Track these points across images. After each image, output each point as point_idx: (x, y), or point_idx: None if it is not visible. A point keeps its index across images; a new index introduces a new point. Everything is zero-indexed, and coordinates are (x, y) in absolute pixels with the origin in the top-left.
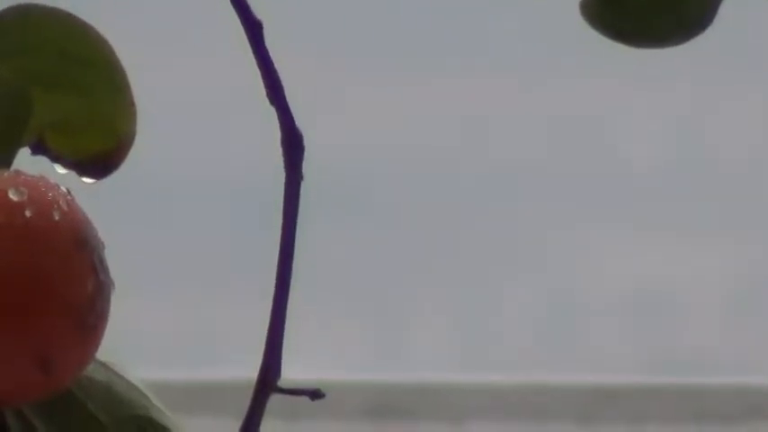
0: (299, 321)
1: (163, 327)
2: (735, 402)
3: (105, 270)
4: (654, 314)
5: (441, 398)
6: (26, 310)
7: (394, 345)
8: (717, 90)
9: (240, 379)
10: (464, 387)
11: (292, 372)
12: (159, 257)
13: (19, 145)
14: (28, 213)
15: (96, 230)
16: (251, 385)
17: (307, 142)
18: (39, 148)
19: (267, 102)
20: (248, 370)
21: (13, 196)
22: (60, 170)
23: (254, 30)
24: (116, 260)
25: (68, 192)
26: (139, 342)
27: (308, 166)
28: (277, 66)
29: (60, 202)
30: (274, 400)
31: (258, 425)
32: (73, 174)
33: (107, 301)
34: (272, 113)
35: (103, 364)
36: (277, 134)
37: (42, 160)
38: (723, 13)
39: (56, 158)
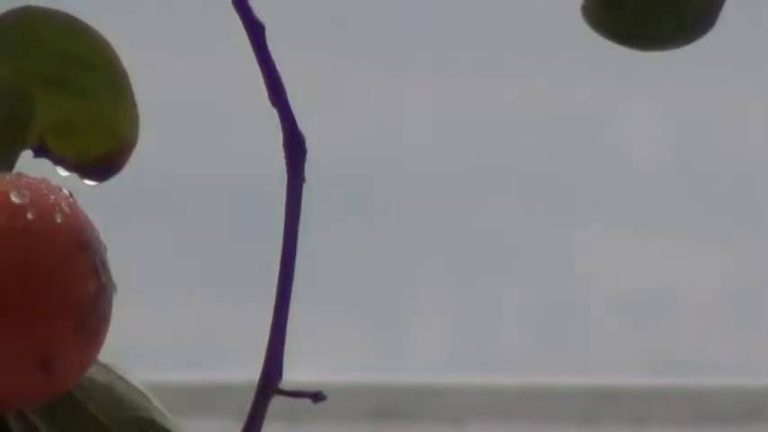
0: (300, 323)
1: (164, 328)
2: (736, 403)
3: (107, 272)
4: (654, 314)
5: (441, 399)
6: (28, 312)
7: (394, 346)
8: (717, 91)
9: (241, 381)
10: (464, 388)
11: (293, 374)
12: (161, 259)
13: (21, 147)
14: (30, 216)
15: (98, 233)
16: (252, 387)
17: (308, 143)
18: (40, 151)
19: (269, 103)
20: (249, 372)
21: (15, 199)
22: (62, 173)
23: (255, 31)
24: (118, 262)
25: (70, 194)
26: (141, 344)
27: (309, 168)
28: (279, 67)
29: (62, 205)
30: (276, 402)
31: (260, 427)
32: (75, 176)
33: (109, 303)
34: (273, 115)
35: (105, 366)
36: (279, 135)
37: (44, 163)
38: (724, 13)
39: (58, 161)
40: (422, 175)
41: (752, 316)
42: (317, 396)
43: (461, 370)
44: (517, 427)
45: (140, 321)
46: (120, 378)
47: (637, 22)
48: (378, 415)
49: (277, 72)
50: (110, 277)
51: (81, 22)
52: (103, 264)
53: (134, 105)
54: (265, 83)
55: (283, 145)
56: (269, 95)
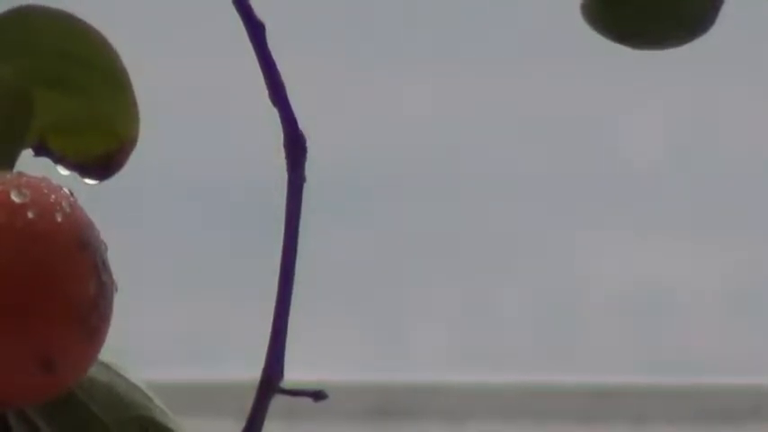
0: (301, 322)
1: (164, 327)
2: (735, 403)
3: (107, 271)
4: (654, 314)
5: (441, 398)
6: (29, 311)
7: (395, 345)
8: (717, 90)
9: (242, 380)
10: (464, 387)
11: (294, 373)
12: (161, 258)
13: (21, 146)
14: (30, 215)
15: (98, 232)
16: (253, 386)
17: (309, 143)
18: (41, 150)
19: (269, 103)
20: (251, 371)
21: (15, 198)
22: (62, 172)
23: (256, 31)
24: (118, 261)
25: (71, 193)
26: (141, 343)
27: (310, 167)
28: (279, 67)
29: (63, 204)
30: (277, 401)
31: (261, 426)
32: (75, 175)
33: (109, 302)
34: (274, 115)
35: (105, 365)
36: (279, 135)
37: (45, 162)
38: (724, 13)
39: (58, 160)
40: (422, 174)
41: (752, 315)
42: (317, 395)
43: (461, 369)
44: (517, 426)
45: (141, 320)
46: (121, 377)
47: (636, 21)
48: (378, 414)
49: (278, 71)
50: (110, 276)
51: (81, 21)
52: (104, 263)
53: (134, 104)
54: (266, 82)
55: (284, 144)
56: (269, 95)
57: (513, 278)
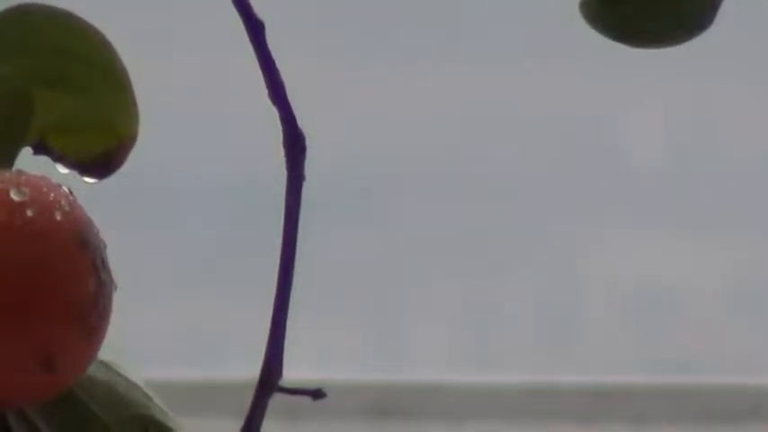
0: (300, 321)
1: (164, 326)
2: (735, 402)
3: (107, 270)
4: (654, 314)
5: (441, 397)
6: (28, 309)
7: (394, 345)
8: (717, 90)
9: (241, 379)
10: (464, 386)
11: (294, 372)
12: (160, 257)
13: (20, 145)
14: (29, 213)
15: (98, 230)
16: (252, 385)
17: (308, 142)
18: (40, 148)
19: (269, 102)
20: (249, 370)
21: (14, 196)
22: (62, 170)
23: (256, 30)
24: (117, 260)
25: (70, 192)
26: (141, 341)
27: (309, 167)
28: (279, 66)
29: (62, 202)
30: (276, 400)
31: (260, 425)
32: (74, 174)
33: (109, 300)
34: (273, 113)
35: (105, 364)
36: (279, 134)
37: (44, 160)
38: (724, 12)
39: (57, 158)
40: (422, 173)
41: (752, 315)
42: (316, 393)
43: (461, 368)
44: (517, 426)
45: (140, 319)
46: (121, 376)
47: (635, 20)
48: (377, 413)
49: (277, 71)
50: (110, 275)
51: (80, 19)
52: (103, 261)
53: (134, 103)
54: (265, 81)
55: (283, 143)
56: (269, 93)
57: (513, 278)
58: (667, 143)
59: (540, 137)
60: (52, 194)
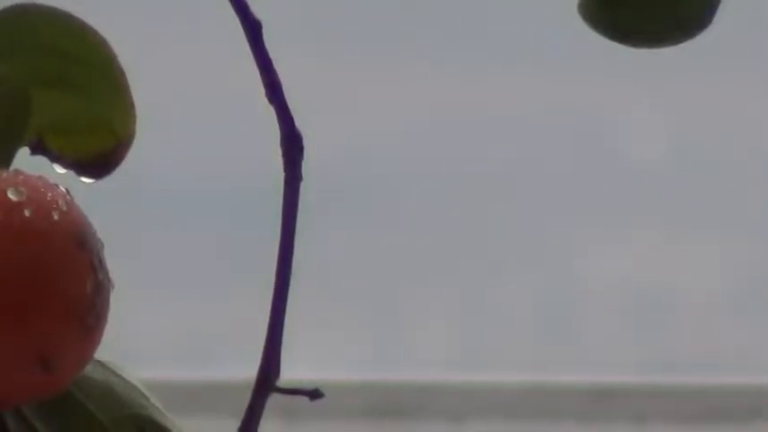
0: (298, 321)
1: (161, 326)
2: (736, 402)
3: (104, 270)
4: (654, 314)
5: (440, 397)
6: (25, 309)
7: (394, 344)
8: (717, 90)
9: (239, 379)
10: (464, 386)
11: (292, 371)
12: (158, 257)
13: (18, 144)
14: (27, 213)
15: (95, 230)
16: (250, 385)
17: (306, 142)
18: (38, 148)
19: (266, 101)
20: (247, 370)
21: (12, 196)
22: (59, 170)
23: (253, 29)
24: (115, 260)
25: (67, 191)
26: (138, 341)
27: (307, 166)
28: (276, 65)
29: (59, 202)
30: (277, 401)
31: (257, 425)
32: (72, 173)
33: (106, 300)
34: (271, 113)
35: (102, 364)
36: (276, 134)
37: (41, 160)
38: (725, 12)
39: (55, 158)
40: (421, 173)
41: (752, 315)
42: (314, 394)
43: (461, 368)
44: (517, 426)
45: (138, 319)
46: (118, 376)
47: (633, 20)
48: (376, 413)
49: (274, 70)
50: (107, 274)
51: (79, 20)
52: (101, 261)
53: (131, 103)
54: (263, 81)
55: (281, 143)
56: (266, 93)
57: (512, 278)
58: (667, 143)
59: (539, 137)
60: (50, 194)
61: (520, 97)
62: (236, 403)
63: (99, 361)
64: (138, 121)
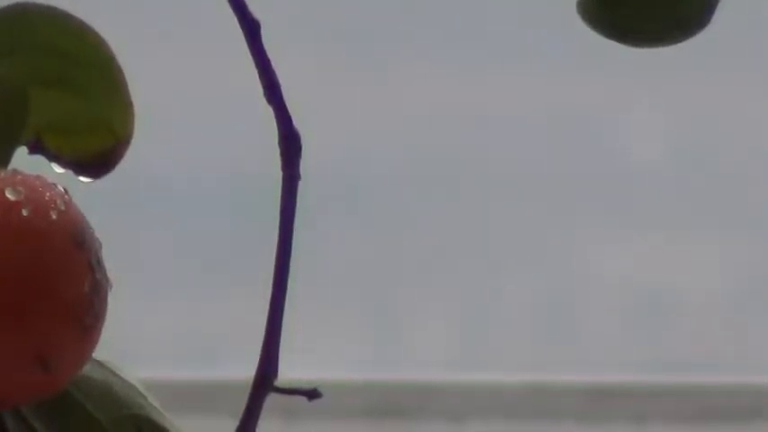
0: (297, 321)
1: (159, 326)
2: (735, 402)
3: (102, 269)
4: (654, 314)
5: (440, 397)
6: (23, 309)
7: (393, 344)
8: (717, 89)
9: (237, 378)
10: (464, 386)
11: (291, 371)
12: (156, 256)
13: (16, 144)
14: (25, 212)
15: (93, 230)
16: (248, 385)
17: (304, 141)
18: (36, 148)
19: (264, 101)
20: (246, 369)
21: (9, 195)
22: (57, 169)
23: (251, 29)
24: (113, 259)
25: (65, 191)
26: (136, 341)
27: (305, 166)
28: (274, 65)
29: (57, 202)
30: (276, 401)
31: (255, 424)
32: (70, 173)
33: (104, 300)
34: (269, 113)
35: (100, 364)
36: (274, 133)
37: (39, 159)
38: (723, 11)
39: (53, 158)
40: (420, 173)
41: (752, 315)
42: (312, 394)
43: (461, 368)
44: (517, 426)
45: (136, 318)
46: (116, 375)
47: (633, 19)
48: (376, 413)
49: (273, 70)
50: (105, 274)
51: (77, 19)
52: (99, 261)
53: (130, 103)
54: (261, 80)
55: (279, 143)
56: (264, 93)
57: (512, 278)
58: (667, 143)
59: (539, 137)
60: (48, 194)
61: (520, 97)
62: (234, 403)
63: (97, 360)
64: (136, 120)
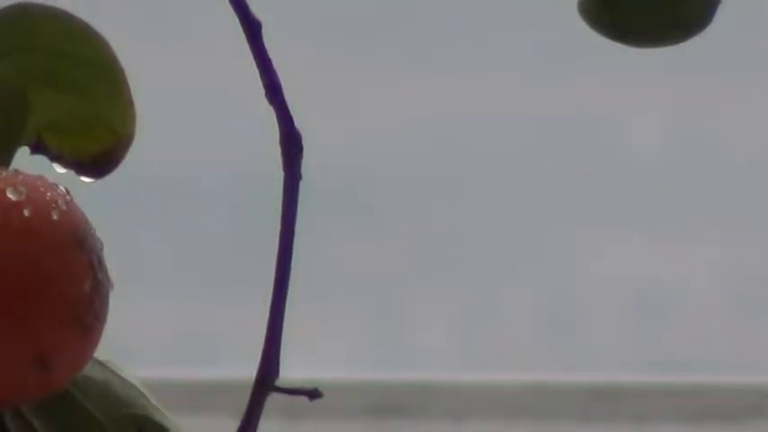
0: (297, 320)
1: (160, 325)
2: (737, 401)
3: (103, 269)
4: (654, 314)
5: (440, 396)
6: (24, 309)
7: (393, 344)
8: (718, 90)
9: (238, 378)
10: (464, 386)
11: (292, 371)
12: (157, 256)
13: (17, 144)
14: (26, 213)
15: (94, 230)
16: (249, 384)
17: (305, 142)
18: (37, 148)
19: (266, 101)
20: (247, 369)
21: (11, 195)
22: (59, 169)
23: (252, 29)
24: (114, 259)
25: (67, 191)
26: (137, 341)
27: (306, 166)
28: (276, 65)
29: (59, 202)
30: (277, 400)
31: (256, 424)
32: (71, 173)
33: (105, 300)
34: (270, 113)
35: (101, 363)
36: (276, 134)
37: (41, 159)
38: (726, 12)
39: (55, 158)
40: (421, 173)
41: (752, 315)
42: (313, 393)
43: (461, 368)
44: (517, 425)
45: (137, 318)
46: (117, 375)
47: (633, 19)
48: (376, 412)
49: (274, 70)
50: (106, 274)
51: (79, 19)
52: (100, 261)
53: (131, 103)
54: (262, 80)
55: (280, 143)
56: (266, 93)
57: (513, 278)
58: (668, 144)
59: (539, 137)
60: (49, 194)
61: (520, 97)
62: (235, 403)
63: (98, 360)
64: (137, 120)
